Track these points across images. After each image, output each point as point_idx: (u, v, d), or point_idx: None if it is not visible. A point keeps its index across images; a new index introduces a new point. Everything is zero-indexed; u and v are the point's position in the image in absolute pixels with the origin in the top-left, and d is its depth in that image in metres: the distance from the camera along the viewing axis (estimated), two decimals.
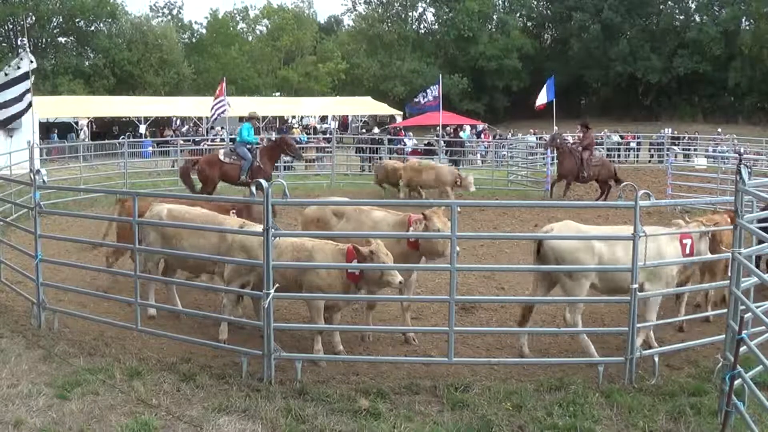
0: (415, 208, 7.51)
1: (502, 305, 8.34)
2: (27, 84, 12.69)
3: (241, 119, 40.42)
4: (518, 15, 64.29)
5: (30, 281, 7.84)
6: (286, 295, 6.59)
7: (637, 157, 30.07)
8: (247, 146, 15.54)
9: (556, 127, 26.49)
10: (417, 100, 22.87)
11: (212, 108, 22.35)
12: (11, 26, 50.22)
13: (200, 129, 36.68)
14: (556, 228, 6.73)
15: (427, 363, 6.53)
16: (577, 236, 6.61)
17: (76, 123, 34.78)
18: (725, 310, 5.72)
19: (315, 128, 41.65)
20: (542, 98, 24.70)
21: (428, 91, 22.23)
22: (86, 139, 31.53)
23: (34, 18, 49.19)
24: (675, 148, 25.49)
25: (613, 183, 17.10)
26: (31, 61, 12.81)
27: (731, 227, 5.73)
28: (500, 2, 64.02)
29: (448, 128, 29.38)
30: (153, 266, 7.94)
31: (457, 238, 6.12)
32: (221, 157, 15.49)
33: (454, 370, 6.34)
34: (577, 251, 6.45)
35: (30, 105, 12.94)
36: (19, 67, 12.54)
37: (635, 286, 5.98)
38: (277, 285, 6.11)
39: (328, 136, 28.82)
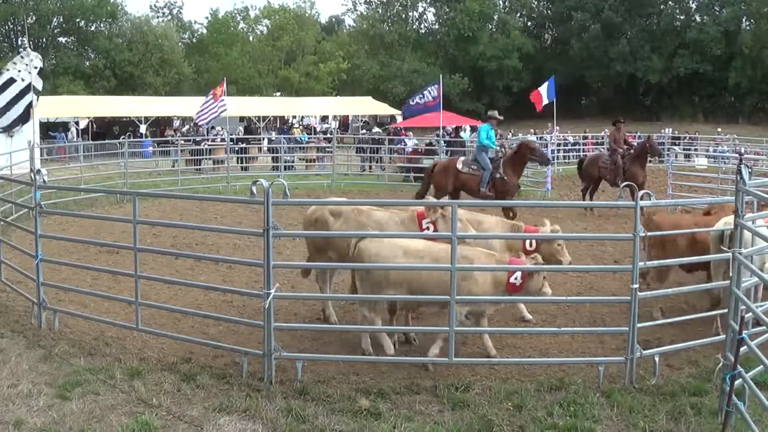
0: (415, 208, 7.51)
1: (503, 305, 8.33)
2: (29, 97, 12.72)
3: (241, 119, 40.61)
4: (518, 15, 64.31)
5: (30, 281, 7.85)
6: (287, 295, 6.60)
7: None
8: (489, 152, 13.81)
9: (557, 127, 26.55)
10: (414, 101, 22.54)
11: (207, 108, 21.47)
12: (11, 26, 50.23)
13: (200, 129, 36.67)
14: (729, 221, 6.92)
15: (427, 363, 6.52)
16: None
17: (77, 123, 34.82)
18: (725, 310, 5.72)
19: (315, 128, 41.67)
20: (544, 98, 24.66)
21: (426, 91, 22.04)
22: (74, 139, 31.50)
23: (34, 18, 49.19)
24: (675, 148, 25.52)
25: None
26: (39, 64, 12.82)
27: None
28: (501, 2, 64.03)
29: (447, 128, 29.32)
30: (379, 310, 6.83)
31: (458, 238, 6.11)
32: (458, 166, 13.94)
33: (455, 370, 6.34)
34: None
35: (29, 110, 12.98)
36: (36, 67, 12.55)
37: (635, 286, 5.98)
38: (277, 285, 6.11)
39: (328, 136, 28.80)
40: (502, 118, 14.73)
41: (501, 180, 13.53)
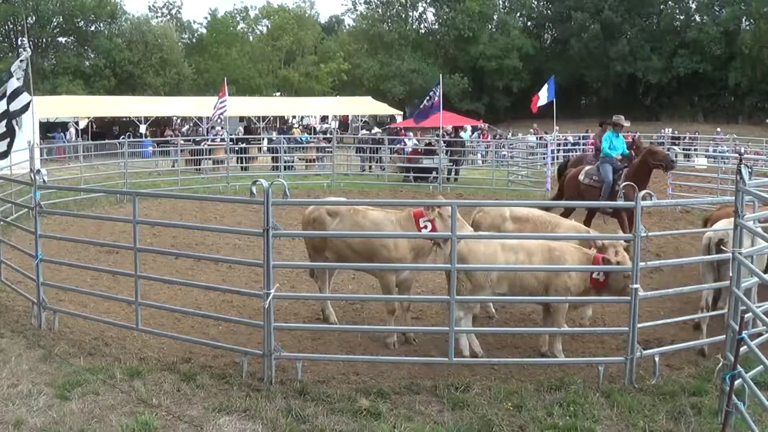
0: (413, 208, 7.50)
1: (503, 305, 8.34)
2: (26, 97, 12.59)
3: (241, 119, 40.62)
4: (518, 15, 64.30)
5: (30, 281, 7.85)
6: (287, 295, 6.60)
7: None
8: (615, 161, 12.20)
9: (556, 127, 26.55)
10: (422, 107, 22.47)
11: (215, 108, 22.10)
12: (11, 26, 50.20)
13: (200, 129, 36.72)
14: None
15: (427, 363, 6.53)
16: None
17: (77, 123, 34.82)
18: (725, 310, 5.72)
19: (315, 128, 41.67)
20: (542, 98, 24.67)
21: (430, 95, 22.02)
22: (73, 139, 31.52)
23: (34, 18, 49.15)
24: (675, 148, 25.47)
25: None
26: (25, 53, 12.63)
27: None
28: (500, 2, 64.01)
29: (447, 128, 29.31)
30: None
31: (458, 238, 6.11)
32: (580, 177, 12.65)
33: (455, 370, 6.34)
34: None
35: (27, 107, 12.88)
36: (23, 71, 12.46)
37: (636, 286, 5.98)
38: (276, 285, 6.11)
39: (328, 136, 28.79)
40: (627, 124, 13.05)
41: (618, 194, 11.69)
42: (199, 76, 52.61)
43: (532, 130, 34.53)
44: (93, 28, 52.23)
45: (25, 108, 11.57)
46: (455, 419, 5.40)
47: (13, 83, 11.36)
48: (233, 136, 25.56)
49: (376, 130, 34.83)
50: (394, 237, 6.98)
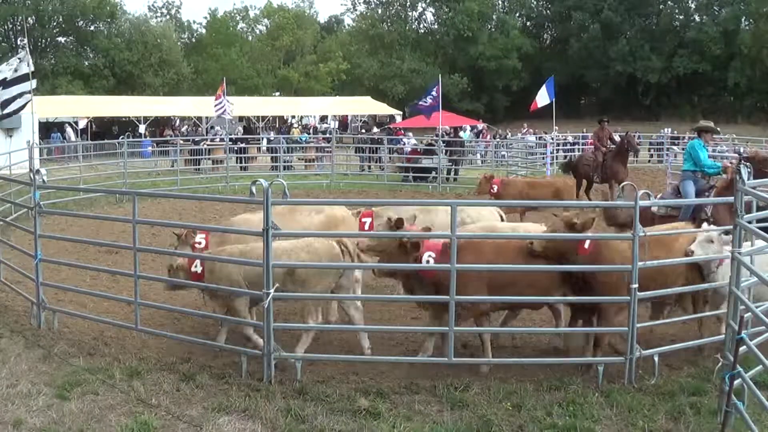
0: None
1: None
2: (26, 86, 12.72)
3: (240, 119, 40.62)
4: (518, 15, 64.31)
5: (30, 281, 7.85)
6: (288, 295, 6.58)
7: (637, 157, 30.02)
8: (701, 180, 9.86)
9: (555, 127, 26.53)
10: (422, 103, 22.49)
11: (215, 108, 22.29)
12: (11, 26, 50.16)
13: (200, 129, 36.69)
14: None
15: (426, 363, 6.52)
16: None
17: (76, 123, 34.80)
18: (725, 310, 5.72)
19: (315, 128, 41.65)
20: (543, 99, 24.65)
21: (431, 94, 22.04)
22: (71, 139, 31.53)
23: (34, 18, 49.11)
24: (675, 147, 25.43)
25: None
26: (28, 64, 12.84)
27: None
28: (500, 2, 64.03)
29: (445, 128, 29.30)
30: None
31: (457, 238, 6.11)
32: (654, 209, 9.24)
33: (454, 370, 6.34)
34: None
35: (25, 105, 13.01)
36: (16, 71, 12.57)
37: (635, 286, 5.97)
38: (276, 285, 6.10)
39: (327, 135, 28.80)
40: (718, 131, 10.86)
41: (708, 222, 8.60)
42: (198, 76, 52.58)
43: (524, 129, 34.64)
44: (92, 28, 52.14)
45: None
46: (454, 419, 5.41)
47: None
48: (232, 136, 25.57)
49: (375, 130, 34.81)
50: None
